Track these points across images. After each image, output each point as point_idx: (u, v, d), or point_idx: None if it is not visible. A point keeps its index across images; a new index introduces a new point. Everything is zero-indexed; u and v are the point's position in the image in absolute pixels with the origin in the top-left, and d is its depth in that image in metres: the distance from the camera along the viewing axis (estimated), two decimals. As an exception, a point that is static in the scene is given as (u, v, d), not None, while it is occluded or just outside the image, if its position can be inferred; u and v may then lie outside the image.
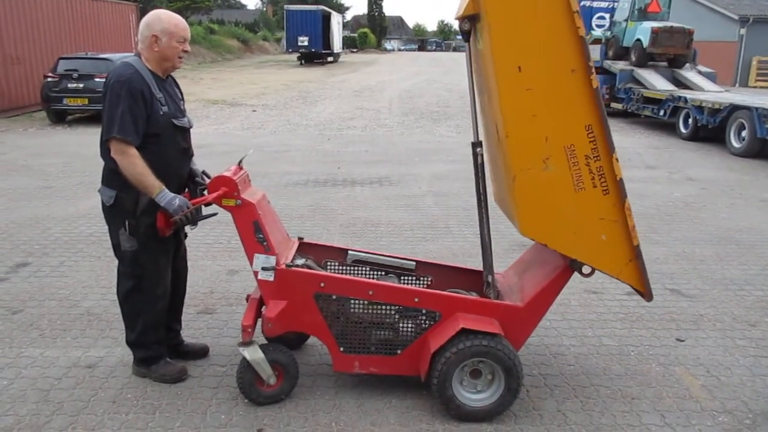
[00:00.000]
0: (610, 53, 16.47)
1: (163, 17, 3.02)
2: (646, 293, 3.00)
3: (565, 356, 3.73)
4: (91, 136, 11.97)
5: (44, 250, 5.43)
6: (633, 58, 15.69)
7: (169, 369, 3.33)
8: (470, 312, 3.04)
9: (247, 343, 3.04)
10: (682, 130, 13.03)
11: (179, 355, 3.54)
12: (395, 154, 10.44)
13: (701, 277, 5.10)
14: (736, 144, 11.33)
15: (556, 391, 3.32)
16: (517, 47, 2.78)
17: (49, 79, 13.22)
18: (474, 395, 3.03)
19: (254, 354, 3.03)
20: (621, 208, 2.81)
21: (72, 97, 13.10)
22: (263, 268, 3.03)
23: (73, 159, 9.67)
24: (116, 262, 4.58)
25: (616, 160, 2.78)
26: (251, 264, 3.06)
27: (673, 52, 15.27)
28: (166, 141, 3.07)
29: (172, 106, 3.12)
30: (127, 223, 3.07)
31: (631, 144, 12.24)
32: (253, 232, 3.01)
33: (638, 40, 15.40)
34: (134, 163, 2.92)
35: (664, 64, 15.71)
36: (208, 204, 3.02)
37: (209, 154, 9.75)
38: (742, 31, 28.69)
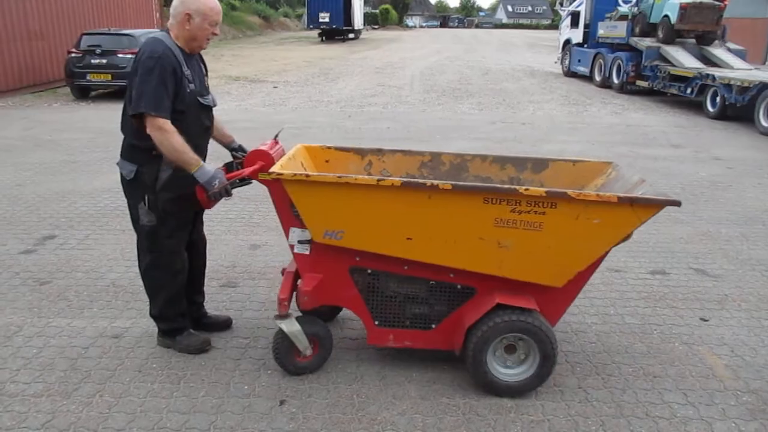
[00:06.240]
0: (637, 30, 16.09)
1: None
2: (672, 203, 2.81)
3: (587, 334, 3.71)
4: (115, 111, 12.01)
5: (70, 223, 5.52)
6: (660, 34, 15.33)
7: (192, 340, 3.39)
8: (506, 288, 3.02)
9: (283, 316, 3.08)
10: (710, 108, 12.77)
11: (203, 327, 3.59)
12: (417, 131, 10.38)
13: (727, 257, 5.03)
14: (765, 123, 11.07)
15: (577, 368, 3.32)
16: (392, 237, 2.92)
17: (73, 55, 13.29)
18: (509, 370, 3.04)
19: (291, 326, 3.08)
20: (574, 199, 2.76)
21: (95, 72, 13.17)
22: (299, 242, 3.07)
23: (97, 134, 9.76)
24: (141, 235, 4.58)
25: (525, 189, 2.77)
26: (287, 237, 3.09)
27: (701, 28, 14.89)
28: (190, 119, 3.07)
29: (198, 84, 3.12)
30: (146, 197, 3.09)
31: (656, 122, 12.04)
32: (289, 206, 3.03)
33: (666, 16, 15.04)
34: (172, 139, 2.90)
35: (692, 41, 15.34)
36: (243, 178, 3.04)
37: (231, 130, 9.74)
38: (774, 7, 27.89)
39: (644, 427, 2.85)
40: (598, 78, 17.89)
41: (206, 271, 3.67)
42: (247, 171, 2.99)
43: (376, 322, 3.16)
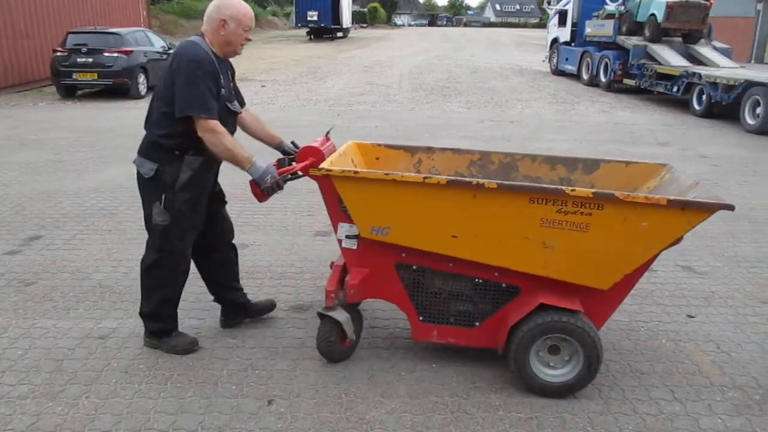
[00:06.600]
0: (624, 28, 16.18)
1: (234, 3, 3.06)
2: (725, 207, 2.75)
3: (575, 331, 3.72)
4: (101, 110, 11.98)
5: (56, 224, 5.47)
6: (647, 33, 15.41)
7: (180, 340, 3.37)
8: (551, 288, 3.00)
9: (332, 308, 3.15)
10: (696, 106, 12.87)
11: (250, 314, 3.70)
12: (405, 130, 10.38)
13: (713, 254, 5.07)
14: (750, 121, 11.18)
15: (565, 366, 3.32)
16: (437, 234, 2.95)
17: (58, 54, 13.18)
18: (552, 370, 3.03)
19: (341, 315, 3.17)
20: (621, 201, 2.74)
21: (81, 71, 13.06)
22: (347, 237, 3.15)
23: (83, 133, 9.68)
24: (127, 235, 4.57)
25: (571, 190, 2.76)
26: (335, 232, 3.17)
27: (688, 27, 15.00)
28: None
29: (227, 90, 3.17)
30: (163, 196, 3.11)
31: (643, 121, 12.11)
32: (338, 202, 3.09)
33: (653, 14, 15.12)
34: (224, 140, 2.99)
35: (679, 39, 15.44)
36: (294, 173, 3.12)
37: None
38: (759, 6, 28.11)
39: (631, 424, 2.87)
40: (585, 76, 17.97)
41: (194, 269, 3.64)
42: (298, 166, 3.11)
43: (421, 318, 3.19)
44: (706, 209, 2.74)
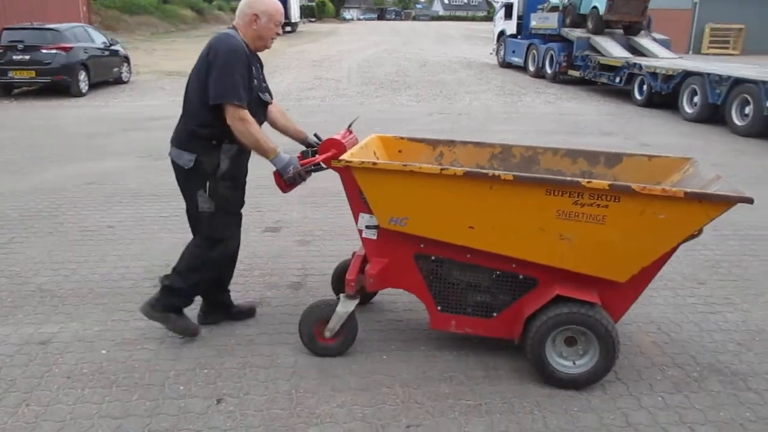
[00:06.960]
0: (568, 21, 16.57)
1: None
2: (744, 200, 2.70)
3: (522, 318, 3.79)
4: (40, 109, 11.58)
5: (-8, 227, 5.26)
6: (590, 25, 15.82)
7: (189, 323, 3.40)
8: (569, 280, 3.00)
9: (352, 296, 3.24)
10: (637, 96, 13.25)
11: (231, 316, 3.66)
12: (355, 124, 10.34)
13: (654, 238, 5.23)
14: (688, 110, 11.57)
15: (510, 350, 3.37)
16: (454, 225, 2.98)
17: (-7, 51, 12.69)
18: (568, 362, 3.05)
19: (346, 308, 3.23)
20: (638, 193, 2.74)
21: (18, 69, 12.60)
22: (367, 227, 3.20)
23: (21, 133, 9.34)
24: (68, 237, 4.46)
25: (587, 182, 2.77)
26: (356, 222, 3.21)
27: (628, 19, 15.46)
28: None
29: (258, 81, 3.21)
30: (207, 184, 3.17)
31: (587, 111, 12.40)
32: (358, 193, 3.11)
33: (595, 7, 15.52)
34: (252, 129, 3.06)
35: (620, 31, 15.90)
36: (316, 164, 3.16)
37: (166, 127, 9.51)
38: (696, -2, 29.12)
39: (577, 405, 2.94)
40: (531, 68, 18.29)
41: (141, 270, 3.57)
42: (319, 158, 3.17)
43: (439, 308, 3.21)
44: (725, 202, 2.74)
